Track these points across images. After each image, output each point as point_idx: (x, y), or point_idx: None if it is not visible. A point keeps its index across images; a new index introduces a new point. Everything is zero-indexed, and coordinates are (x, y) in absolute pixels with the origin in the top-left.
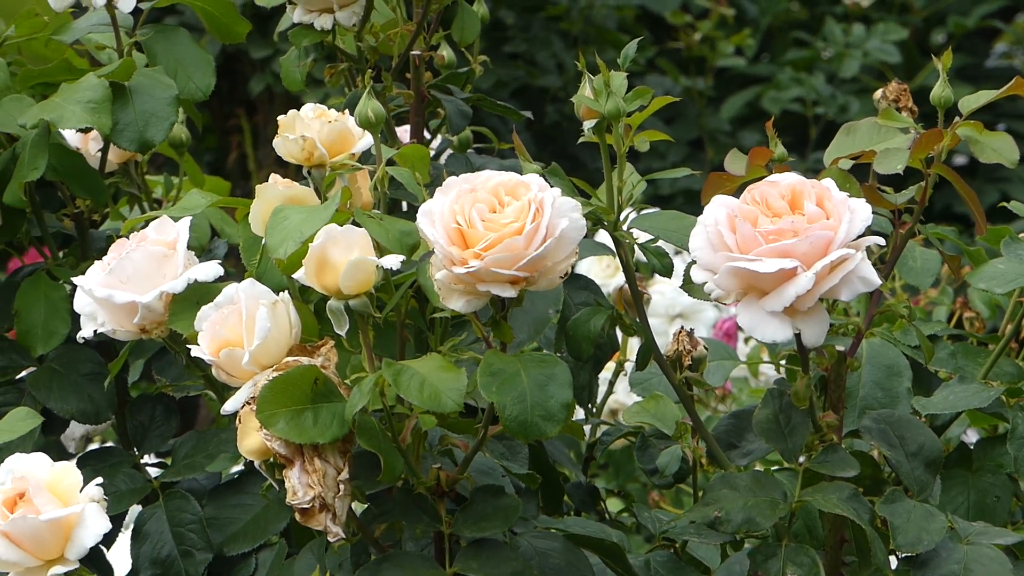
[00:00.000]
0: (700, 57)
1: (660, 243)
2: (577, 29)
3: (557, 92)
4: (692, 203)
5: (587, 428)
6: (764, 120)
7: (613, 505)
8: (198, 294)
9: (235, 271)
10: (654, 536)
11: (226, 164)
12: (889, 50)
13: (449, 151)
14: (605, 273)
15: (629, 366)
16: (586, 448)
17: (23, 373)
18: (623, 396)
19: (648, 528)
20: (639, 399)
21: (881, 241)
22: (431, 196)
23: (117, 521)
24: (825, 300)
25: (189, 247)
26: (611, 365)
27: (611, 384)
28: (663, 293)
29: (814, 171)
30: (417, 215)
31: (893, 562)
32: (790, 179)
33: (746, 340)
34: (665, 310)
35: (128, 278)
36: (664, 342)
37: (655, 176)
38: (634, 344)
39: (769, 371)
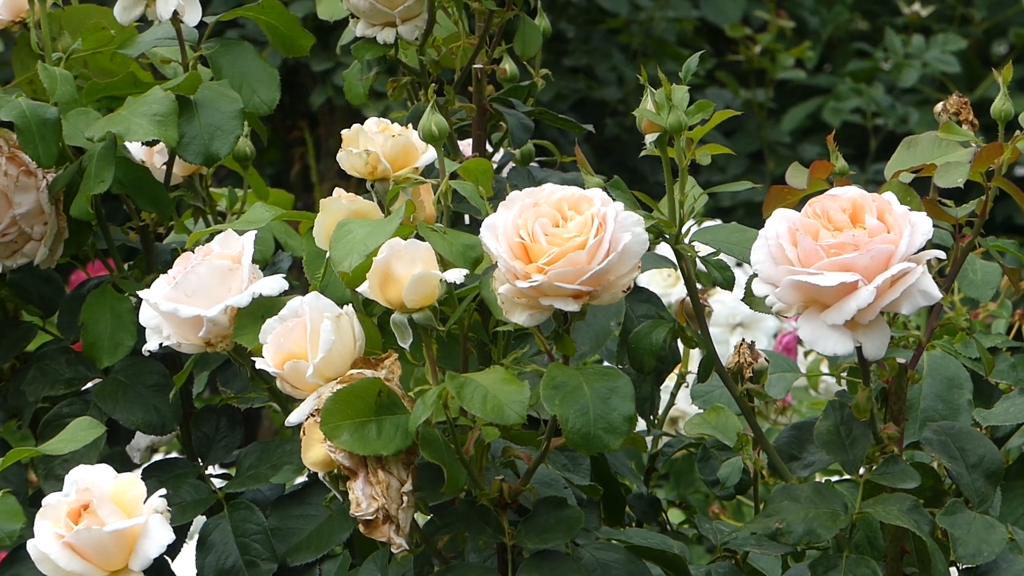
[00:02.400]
0: (760, 69)
1: (721, 256)
2: (637, 42)
3: (617, 105)
4: (752, 215)
5: (649, 439)
6: (824, 132)
7: (674, 516)
8: (263, 308)
9: (298, 283)
10: (715, 547)
11: (288, 176)
12: (949, 60)
13: (511, 164)
14: (665, 283)
15: (690, 377)
16: (648, 459)
17: (89, 384)
18: (684, 407)
19: (709, 539)
20: (700, 411)
21: (942, 254)
22: (494, 210)
23: (182, 532)
24: (886, 313)
25: (253, 260)
26: (673, 376)
27: (673, 395)
28: (724, 303)
29: (874, 182)
30: (480, 229)
31: (954, 573)
32: (851, 193)
33: (806, 352)
34: (726, 319)
35: (193, 292)
36: (724, 350)
37: (717, 189)
38: (695, 356)
39: (829, 382)
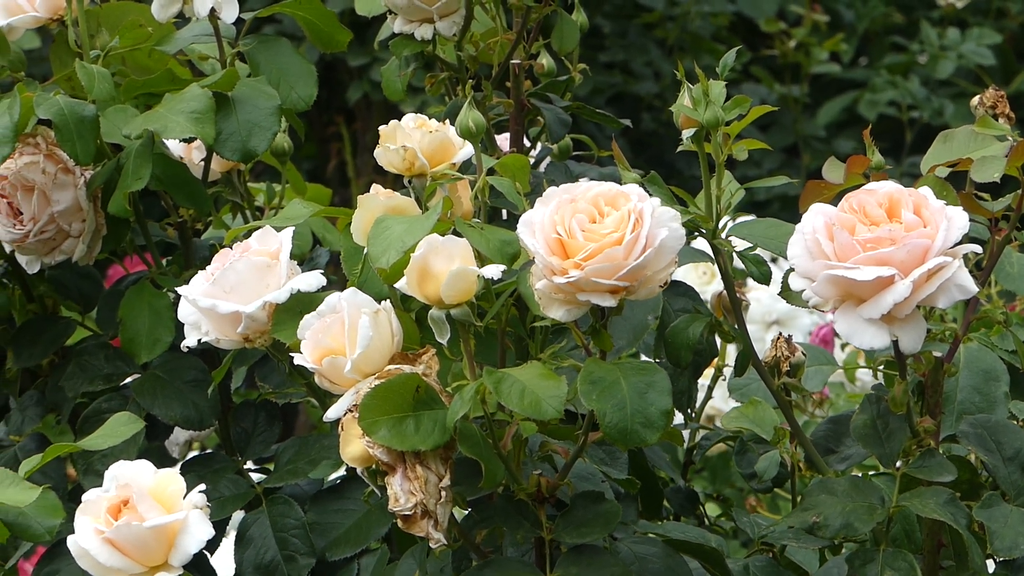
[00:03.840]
0: (795, 64)
1: (758, 250)
2: (673, 37)
3: (653, 100)
4: (788, 209)
5: (686, 433)
6: (860, 126)
7: (711, 510)
8: (301, 303)
9: (336, 278)
10: (751, 541)
11: (325, 172)
12: (984, 53)
13: (548, 160)
14: (701, 280)
15: (727, 371)
16: (685, 453)
17: (127, 380)
18: (720, 402)
19: (746, 533)
20: (737, 405)
21: (978, 249)
22: (531, 205)
23: (220, 526)
24: (922, 307)
25: (291, 256)
26: (709, 371)
27: (709, 389)
28: (759, 300)
29: (910, 175)
30: (518, 225)
31: (990, 566)
32: (888, 187)
33: (843, 346)
34: (762, 316)
35: (232, 288)
36: (760, 348)
37: (753, 185)
38: (732, 350)
39: (865, 376)
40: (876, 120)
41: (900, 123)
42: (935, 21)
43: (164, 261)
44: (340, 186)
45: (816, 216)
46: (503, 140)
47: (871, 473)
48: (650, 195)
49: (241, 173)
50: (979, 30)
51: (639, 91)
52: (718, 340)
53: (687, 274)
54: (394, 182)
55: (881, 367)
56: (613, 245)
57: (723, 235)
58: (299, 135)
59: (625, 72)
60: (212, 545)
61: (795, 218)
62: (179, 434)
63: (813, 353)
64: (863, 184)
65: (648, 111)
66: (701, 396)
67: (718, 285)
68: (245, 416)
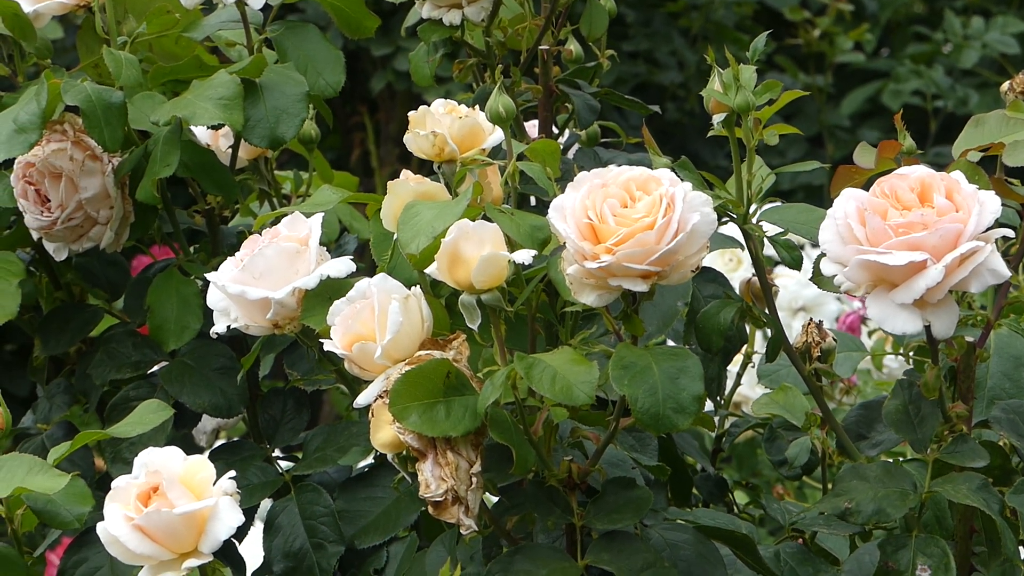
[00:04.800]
0: (819, 53)
1: (788, 235)
2: (697, 26)
3: (677, 89)
4: (812, 199)
5: (715, 420)
6: (884, 115)
7: (739, 498)
8: (330, 290)
9: (364, 266)
10: (780, 529)
11: (349, 162)
12: (1008, 42)
13: (576, 146)
14: (728, 267)
15: (756, 358)
16: (714, 440)
17: (155, 368)
18: (748, 389)
19: (776, 520)
20: (765, 392)
21: (1010, 233)
22: (561, 191)
23: (249, 515)
24: (954, 292)
25: (320, 243)
26: (738, 358)
27: (738, 376)
28: (786, 287)
29: (935, 164)
30: (548, 210)
31: (1023, 552)
32: (919, 172)
33: (870, 333)
34: (788, 303)
35: (261, 274)
36: (787, 336)
37: (783, 169)
38: (760, 337)
39: (893, 364)
40: (900, 110)
41: (924, 113)
42: (958, 10)
43: (192, 248)
44: (364, 176)
45: (848, 201)
46: (531, 127)
47: (901, 460)
48: (682, 180)
49: (268, 161)
50: (1003, 19)
51: (663, 80)
52: (747, 328)
53: (713, 261)
54: (417, 172)
55: (912, 353)
56: (645, 230)
57: (754, 220)
58: (327, 122)
59: (649, 61)
60: (240, 533)
61: (819, 208)
62: (207, 423)
63: (843, 339)
64: (894, 169)
65: (672, 101)
66: (730, 383)
67: (745, 272)
68: (273, 404)
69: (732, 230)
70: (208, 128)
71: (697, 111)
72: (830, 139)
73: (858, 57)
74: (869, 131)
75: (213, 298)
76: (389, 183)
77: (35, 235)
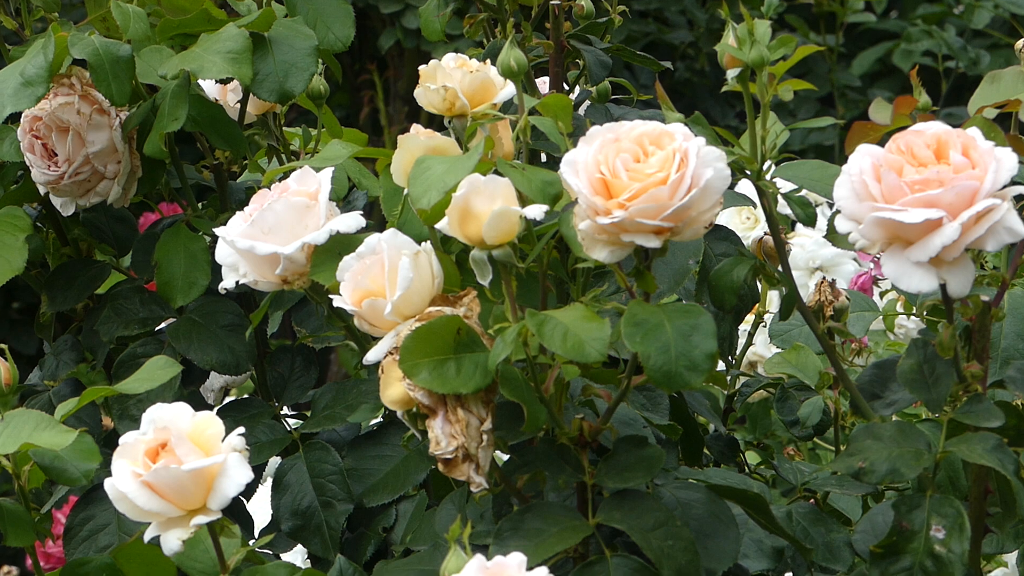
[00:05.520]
0: (830, 13)
1: (803, 192)
2: None
3: (686, 48)
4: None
5: (727, 379)
6: (895, 76)
7: (751, 458)
8: (340, 245)
9: (373, 223)
10: (792, 490)
11: (357, 120)
12: (1020, 2)
13: (588, 102)
14: (744, 226)
15: (768, 318)
16: (726, 400)
17: (163, 324)
18: (761, 348)
19: (787, 481)
20: (778, 351)
21: None
22: (573, 146)
23: (257, 472)
24: (971, 250)
25: (329, 198)
26: (750, 317)
27: (750, 336)
28: (803, 246)
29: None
30: (560, 165)
31: None
32: (936, 128)
33: (882, 294)
34: (805, 263)
35: (270, 229)
36: (804, 295)
37: (797, 125)
38: (773, 297)
39: (907, 326)
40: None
41: (935, 73)
42: None
43: (200, 204)
44: (372, 134)
45: (863, 157)
46: (542, 83)
47: (914, 421)
48: (695, 135)
49: (277, 116)
50: None
51: (673, 39)
52: (759, 286)
53: (730, 219)
54: (428, 128)
55: (926, 312)
56: (658, 185)
57: (768, 177)
58: (336, 77)
59: (659, 21)
60: (248, 491)
61: (834, 164)
62: (214, 380)
63: (856, 299)
64: (910, 125)
65: (682, 60)
66: (741, 343)
67: (759, 232)
68: (281, 361)
69: (746, 188)
70: (216, 83)
71: (707, 70)
72: (841, 100)
73: (869, 17)
74: (880, 91)
75: (222, 253)
76: (399, 137)
77: (42, 190)
